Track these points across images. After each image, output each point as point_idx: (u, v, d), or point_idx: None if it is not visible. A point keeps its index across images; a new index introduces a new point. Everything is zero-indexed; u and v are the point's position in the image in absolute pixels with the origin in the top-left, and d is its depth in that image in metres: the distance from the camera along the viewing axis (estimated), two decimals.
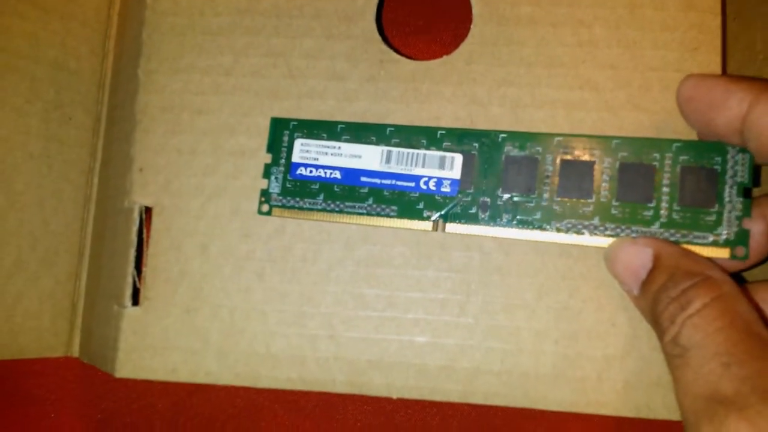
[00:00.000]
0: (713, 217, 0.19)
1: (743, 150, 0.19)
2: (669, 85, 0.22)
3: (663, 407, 0.21)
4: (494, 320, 0.21)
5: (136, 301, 0.22)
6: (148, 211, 0.22)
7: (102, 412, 0.27)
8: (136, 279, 0.22)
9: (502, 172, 0.20)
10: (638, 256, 0.18)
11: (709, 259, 0.18)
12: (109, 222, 0.24)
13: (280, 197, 0.22)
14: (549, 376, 0.21)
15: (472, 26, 0.22)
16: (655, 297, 0.18)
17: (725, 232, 0.19)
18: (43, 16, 0.25)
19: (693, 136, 0.21)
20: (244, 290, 0.22)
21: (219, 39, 0.23)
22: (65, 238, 0.25)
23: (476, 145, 0.21)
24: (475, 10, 0.23)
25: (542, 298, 0.21)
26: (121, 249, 0.22)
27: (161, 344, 0.22)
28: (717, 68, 0.22)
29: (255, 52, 0.23)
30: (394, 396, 0.21)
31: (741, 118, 0.18)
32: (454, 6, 0.24)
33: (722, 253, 0.19)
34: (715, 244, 0.19)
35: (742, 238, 0.18)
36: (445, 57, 0.22)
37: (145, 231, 0.22)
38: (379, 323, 0.21)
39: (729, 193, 0.19)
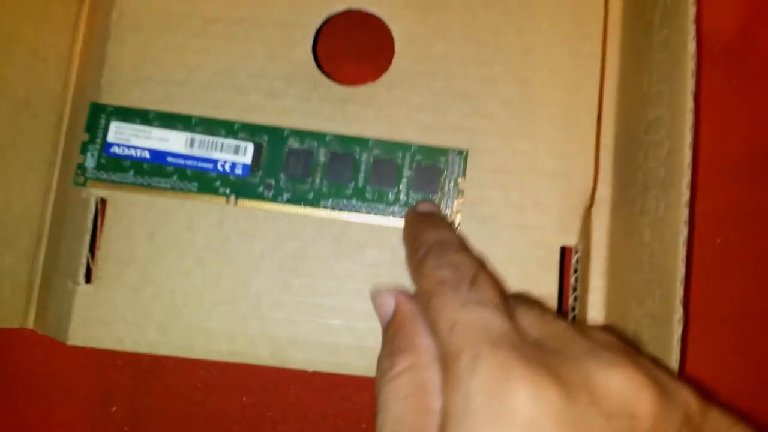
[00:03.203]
0: (437, 201, 0.25)
1: (460, 153, 0.25)
2: (553, 119, 0.26)
3: None
4: None
5: (88, 279, 0.25)
6: (103, 201, 0.26)
7: (65, 382, 0.29)
8: (90, 260, 0.25)
9: (285, 161, 0.25)
10: (385, 306, 0.21)
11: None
12: (68, 210, 0.27)
13: (95, 170, 0.25)
14: None
15: (394, 59, 0.27)
16: (383, 345, 0.20)
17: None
18: (16, 23, 0.28)
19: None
20: (184, 274, 0.25)
21: (175, 56, 0.26)
22: (26, 221, 0.28)
23: (266, 137, 0.25)
24: (397, 46, 0.27)
25: None
26: (78, 234, 0.26)
27: (110, 318, 0.25)
28: (594, 107, 0.26)
29: (205, 70, 0.26)
30: (310, 369, 0.25)
31: None
32: (380, 41, 0.28)
33: None
34: None
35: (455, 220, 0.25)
36: (369, 84, 0.26)
37: (99, 219, 0.25)
38: (300, 307, 0.25)
39: (447, 184, 0.25)
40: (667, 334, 0.23)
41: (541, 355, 0.16)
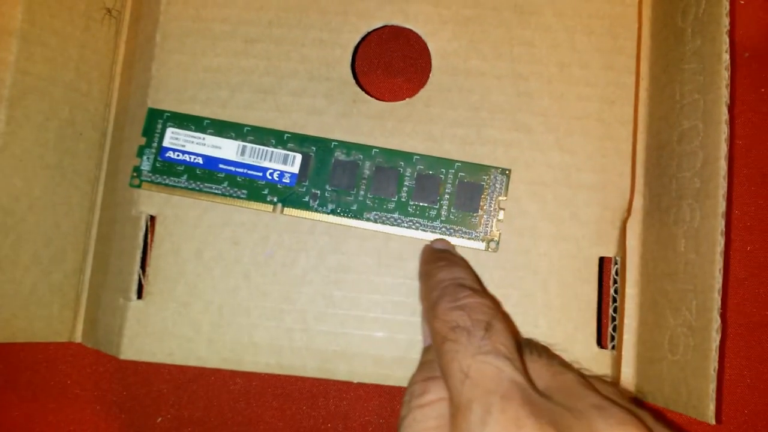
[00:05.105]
0: (477, 218, 0.26)
1: (503, 172, 0.26)
2: (589, 131, 0.26)
3: None
4: None
5: (140, 295, 0.26)
6: (152, 219, 0.26)
7: (113, 394, 0.30)
8: (141, 276, 0.26)
9: (331, 172, 0.26)
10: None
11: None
12: (117, 227, 0.28)
13: (150, 174, 0.26)
14: None
15: (430, 75, 0.27)
16: (419, 366, 0.20)
17: (482, 230, 0.26)
18: (62, 44, 0.28)
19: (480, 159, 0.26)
20: (231, 289, 0.26)
21: (218, 76, 0.27)
22: (73, 238, 0.29)
23: (314, 148, 0.26)
24: (434, 62, 0.27)
25: None
26: (128, 250, 0.26)
27: (160, 332, 0.26)
28: (630, 118, 0.27)
29: (248, 89, 0.27)
30: (355, 381, 0.26)
31: None
32: (417, 58, 0.28)
33: (479, 245, 0.26)
34: (475, 238, 0.26)
35: (495, 237, 0.26)
36: (407, 99, 0.27)
37: (149, 236, 0.26)
38: (344, 320, 0.26)
39: (489, 202, 0.26)
40: (705, 344, 0.23)
41: (550, 409, 0.16)
